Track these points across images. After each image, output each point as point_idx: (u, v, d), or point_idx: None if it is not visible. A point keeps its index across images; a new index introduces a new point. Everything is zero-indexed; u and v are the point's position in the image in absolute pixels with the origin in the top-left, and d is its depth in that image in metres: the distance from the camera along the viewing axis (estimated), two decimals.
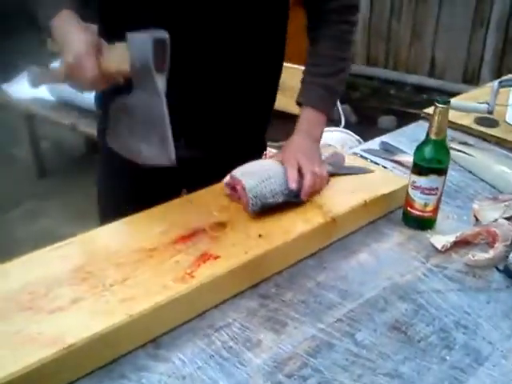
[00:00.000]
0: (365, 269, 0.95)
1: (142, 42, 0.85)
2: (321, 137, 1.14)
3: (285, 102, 2.76)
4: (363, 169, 1.17)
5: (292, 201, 1.00)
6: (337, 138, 2.72)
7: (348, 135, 2.79)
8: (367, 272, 0.94)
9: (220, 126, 1.16)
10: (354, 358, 0.77)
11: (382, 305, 0.87)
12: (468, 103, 1.52)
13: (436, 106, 0.98)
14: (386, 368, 0.75)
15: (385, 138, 1.48)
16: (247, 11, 1.05)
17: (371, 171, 1.16)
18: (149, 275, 0.83)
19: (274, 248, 0.90)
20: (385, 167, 1.28)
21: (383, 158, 1.36)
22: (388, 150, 1.40)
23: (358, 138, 2.72)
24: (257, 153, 1.31)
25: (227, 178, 1.03)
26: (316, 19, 1.15)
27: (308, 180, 1.00)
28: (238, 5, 1.03)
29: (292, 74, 2.71)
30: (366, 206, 1.05)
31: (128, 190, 1.21)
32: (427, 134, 1.01)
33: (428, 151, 1.01)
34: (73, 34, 0.88)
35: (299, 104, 1.13)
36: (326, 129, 2.97)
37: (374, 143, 1.45)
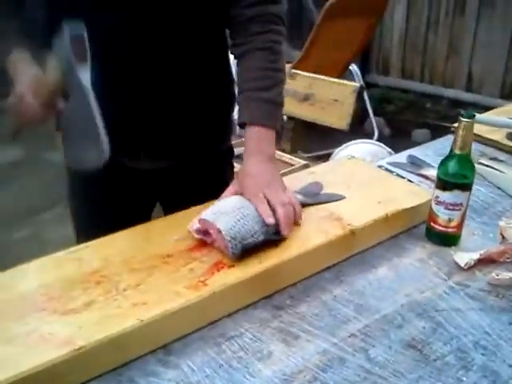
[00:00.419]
0: (383, 284, 0.93)
1: (60, 42, 0.88)
2: (274, 154, 1.07)
3: (315, 113, 2.77)
4: (336, 196, 1.09)
5: (272, 238, 0.92)
6: (368, 151, 2.70)
7: (380, 147, 2.76)
8: (385, 287, 0.92)
9: (176, 133, 1.14)
10: (365, 375, 0.75)
11: (398, 321, 0.85)
12: (499, 118, 1.49)
13: (460, 121, 0.96)
14: None
15: (412, 151, 1.45)
16: (185, 12, 1.05)
17: (343, 197, 1.08)
18: (162, 281, 0.83)
19: (290, 259, 0.89)
20: (410, 181, 1.26)
21: (409, 172, 1.33)
22: (415, 164, 1.37)
23: (390, 150, 2.69)
24: (226, 157, 1.30)
25: (195, 224, 0.93)
26: (239, 34, 1.09)
27: (280, 213, 0.93)
28: (174, 6, 1.03)
29: (321, 86, 2.73)
30: (387, 220, 1.03)
31: (97, 206, 1.22)
32: (451, 149, 0.99)
33: (452, 166, 0.99)
34: (17, 78, 0.94)
35: (243, 124, 1.05)
36: (358, 141, 2.96)
37: (402, 156, 1.43)
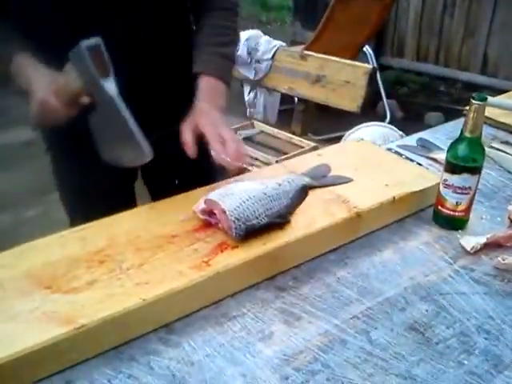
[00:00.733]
0: (387, 267, 0.93)
1: (78, 56, 0.87)
2: (224, 107, 1.08)
3: (326, 95, 2.75)
4: (344, 178, 1.09)
5: (276, 221, 0.91)
6: (379, 133, 2.68)
7: (391, 130, 2.74)
8: (390, 270, 0.92)
9: (152, 105, 1.14)
10: (366, 357, 0.75)
11: (401, 304, 0.85)
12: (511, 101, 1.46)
13: (472, 103, 0.94)
14: (399, 369, 0.73)
15: (423, 134, 1.43)
16: None
17: (350, 180, 1.08)
18: (166, 261, 0.83)
19: (294, 241, 0.89)
20: (420, 164, 1.25)
21: (419, 155, 1.32)
22: (425, 147, 1.36)
23: (401, 133, 2.67)
24: None
25: (200, 204, 0.94)
26: None
27: (232, 146, 0.97)
28: None
29: (333, 68, 2.70)
30: (394, 203, 1.02)
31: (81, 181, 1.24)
32: (461, 132, 0.98)
33: (462, 149, 0.97)
34: (33, 83, 0.95)
35: (196, 74, 1.08)
36: (369, 123, 2.94)
37: (412, 139, 1.41)
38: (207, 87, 1.07)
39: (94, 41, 0.87)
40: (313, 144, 2.46)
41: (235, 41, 1.16)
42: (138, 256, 0.84)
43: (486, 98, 0.94)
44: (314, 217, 0.95)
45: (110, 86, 0.89)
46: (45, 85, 0.95)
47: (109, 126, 0.93)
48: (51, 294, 0.77)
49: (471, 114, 0.95)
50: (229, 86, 1.10)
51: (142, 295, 0.76)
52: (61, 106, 0.94)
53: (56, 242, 0.89)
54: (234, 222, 0.87)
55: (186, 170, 1.13)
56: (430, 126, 1.53)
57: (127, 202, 1.18)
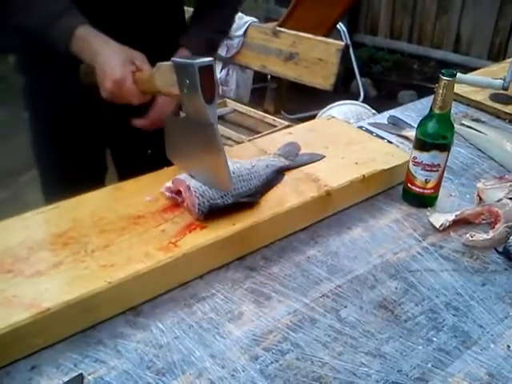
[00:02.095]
0: (357, 245, 0.93)
1: (188, 71, 0.81)
2: None
3: (299, 73, 2.72)
4: (316, 155, 1.08)
5: (243, 201, 0.90)
6: (352, 112, 2.67)
7: (364, 108, 2.73)
8: (359, 248, 0.92)
9: None
10: (335, 335, 0.75)
11: (371, 282, 0.85)
12: (482, 78, 1.46)
13: (441, 79, 0.93)
14: (368, 347, 0.73)
15: (394, 111, 1.43)
16: None
17: (323, 157, 1.07)
18: (132, 243, 0.81)
19: (264, 220, 0.88)
20: (390, 142, 1.24)
21: (390, 133, 1.31)
22: (396, 125, 1.36)
23: (374, 111, 2.67)
24: None
25: (168, 184, 0.92)
26: None
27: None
28: None
29: (306, 45, 2.67)
30: (364, 181, 1.01)
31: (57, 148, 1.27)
32: (431, 108, 0.97)
33: (431, 126, 0.97)
34: (103, 56, 0.95)
35: (179, 45, 1.13)
36: (342, 102, 2.93)
37: (383, 117, 1.41)
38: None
39: (208, 61, 0.81)
40: (286, 123, 2.44)
41: (225, 32, 1.24)
42: (103, 238, 0.82)
43: (456, 74, 0.93)
44: (284, 196, 0.94)
45: (213, 112, 0.83)
46: (121, 62, 0.94)
47: (196, 143, 0.89)
48: (13, 277, 0.75)
49: (440, 90, 0.94)
50: None
51: (108, 278, 0.74)
52: (136, 92, 0.95)
53: (18, 224, 0.86)
54: (197, 198, 0.85)
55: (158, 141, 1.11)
56: (403, 104, 1.53)
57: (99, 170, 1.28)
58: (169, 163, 1.00)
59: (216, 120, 0.84)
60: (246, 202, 0.90)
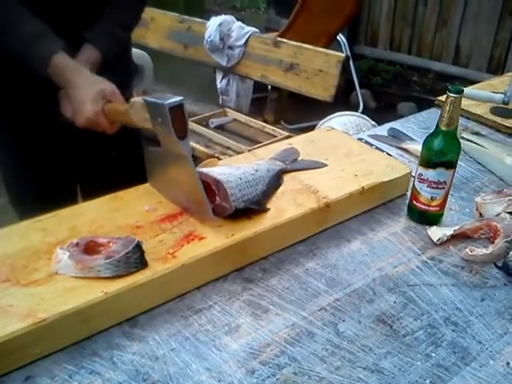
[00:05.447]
0: (356, 258, 0.92)
1: (160, 110, 0.83)
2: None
3: (299, 84, 2.73)
4: (317, 163, 1.09)
5: (252, 207, 0.91)
6: (352, 123, 2.68)
7: (363, 120, 2.74)
8: (358, 261, 0.91)
9: None
10: (333, 349, 0.74)
11: (369, 296, 0.84)
12: (483, 92, 1.47)
13: (448, 96, 0.91)
14: (366, 361, 0.73)
15: (394, 124, 1.43)
16: None
17: (324, 165, 1.08)
18: None
19: (263, 232, 0.88)
20: (390, 154, 1.24)
21: (389, 145, 1.31)
22: (395, 137, 1.35)
23: (374, 123, 2.67)
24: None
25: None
26: None
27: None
28: None
29: (306, 56, 2.68)
30: (363, 194, 1.01)
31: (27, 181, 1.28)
32: (437, 125, 0.95)
33: (437, 143, 0.95)
34: (76, 88, 0.99)
35: (84, 38, 1.12)
36: (341, 113, 2.93)
37: (383, 129, 1.41)
38: (88, 55, 1.10)
39: (178, 101, 0.83)
40: (286, 133, 2.44)
41: (134, 25, 1.26)
42: None
43: (463, 91, 0.91)
44: (283, 207, 0.93)
45: (186, 146, 0.85)
46: (92, 98, 0.97)
47: (174, 175, 0.92)
48: (10, 287, 0.74)
49: (447, 107, 0.92)
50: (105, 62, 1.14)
51: (104, 288, 0.74)
52: (108, 126, 0.99)
53: (15, 232, 0.85)
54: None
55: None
56: (403, 116, 1.53)
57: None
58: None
59: (190, 153, 0.86)
60: (256, 208, 0.91)
